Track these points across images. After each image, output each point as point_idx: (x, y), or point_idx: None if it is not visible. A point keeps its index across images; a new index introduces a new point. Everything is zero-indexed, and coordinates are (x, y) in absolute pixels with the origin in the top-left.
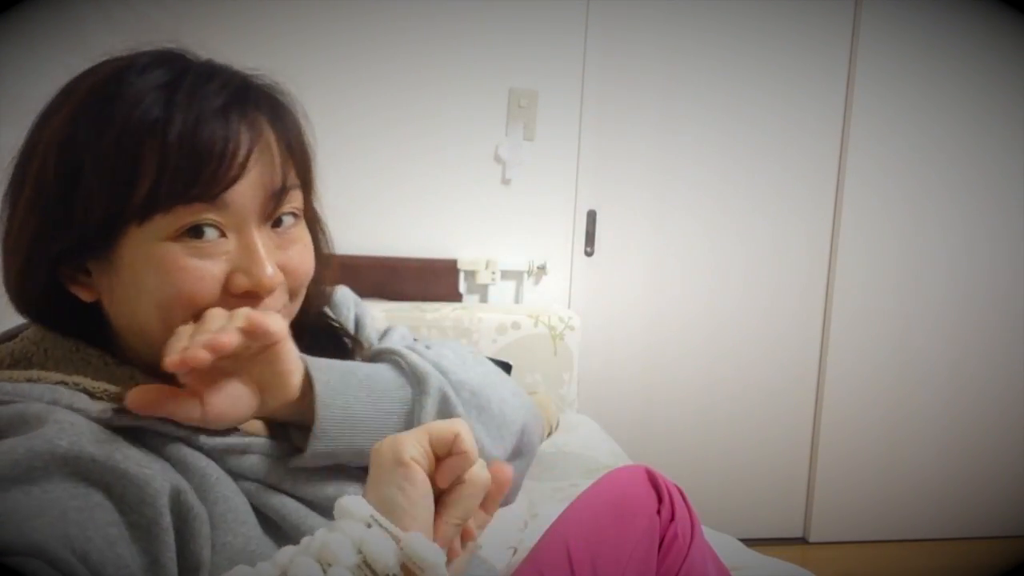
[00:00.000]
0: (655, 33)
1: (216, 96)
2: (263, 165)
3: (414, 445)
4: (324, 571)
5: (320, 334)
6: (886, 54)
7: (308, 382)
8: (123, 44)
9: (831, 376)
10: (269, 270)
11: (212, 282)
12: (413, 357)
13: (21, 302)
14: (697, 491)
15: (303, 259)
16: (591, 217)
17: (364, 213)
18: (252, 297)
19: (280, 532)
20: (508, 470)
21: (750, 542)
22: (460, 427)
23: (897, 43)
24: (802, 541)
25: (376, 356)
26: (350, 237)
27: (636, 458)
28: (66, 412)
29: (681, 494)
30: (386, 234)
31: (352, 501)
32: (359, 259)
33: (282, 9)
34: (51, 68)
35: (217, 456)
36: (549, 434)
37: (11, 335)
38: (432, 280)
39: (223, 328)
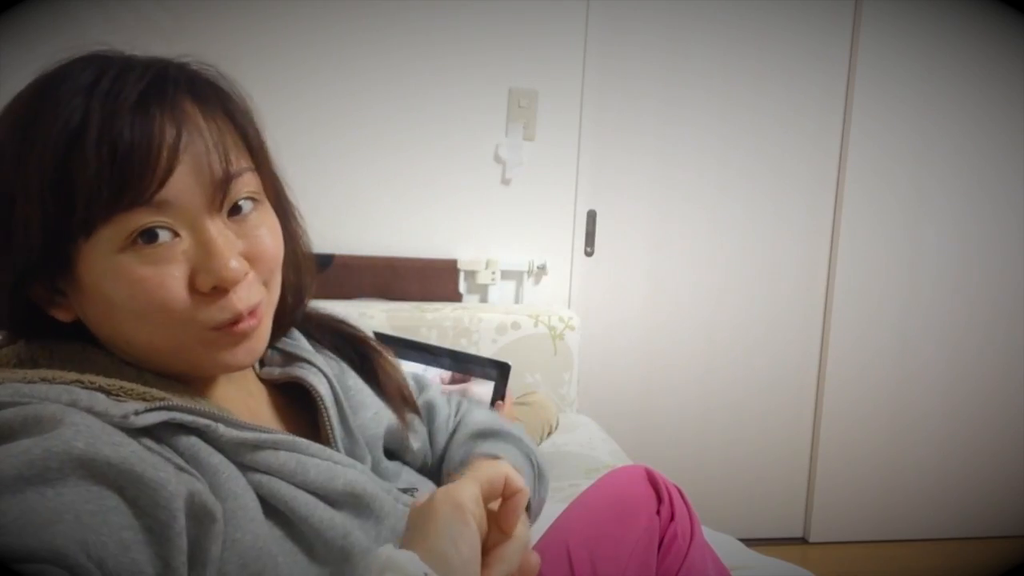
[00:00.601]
0: (655, 33)
1: (133, 89)
2: (196, 155)
3: (469, 495)
4: None
5: (334, 335)
6: (886, 54)
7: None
8: (123, 43)
9: (831, 376)
10: (232, 263)
11: (175, 285)
12: (538, 453)
13: (8, 324)
14: (697, 491)
15: (269, 243)
16: (591, 217)
17: (364, 213)
18: (222, 292)
19: (288, 523)
20: (537, 558)
21: (750, 542)
22: (505, 468)
23: (897, 43)
24: (802, 541)
25: (494, 435)
26: (350, 237)
27: (636, 458)
28: (82, 414)
29: (681, 494)
30: (386, 234)
31: (402, 556)
32: (359, 259)
33: (281, 9)
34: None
35: (231, 449)
36: (549, 434)
37: (13, 339)
38: (432, 280)
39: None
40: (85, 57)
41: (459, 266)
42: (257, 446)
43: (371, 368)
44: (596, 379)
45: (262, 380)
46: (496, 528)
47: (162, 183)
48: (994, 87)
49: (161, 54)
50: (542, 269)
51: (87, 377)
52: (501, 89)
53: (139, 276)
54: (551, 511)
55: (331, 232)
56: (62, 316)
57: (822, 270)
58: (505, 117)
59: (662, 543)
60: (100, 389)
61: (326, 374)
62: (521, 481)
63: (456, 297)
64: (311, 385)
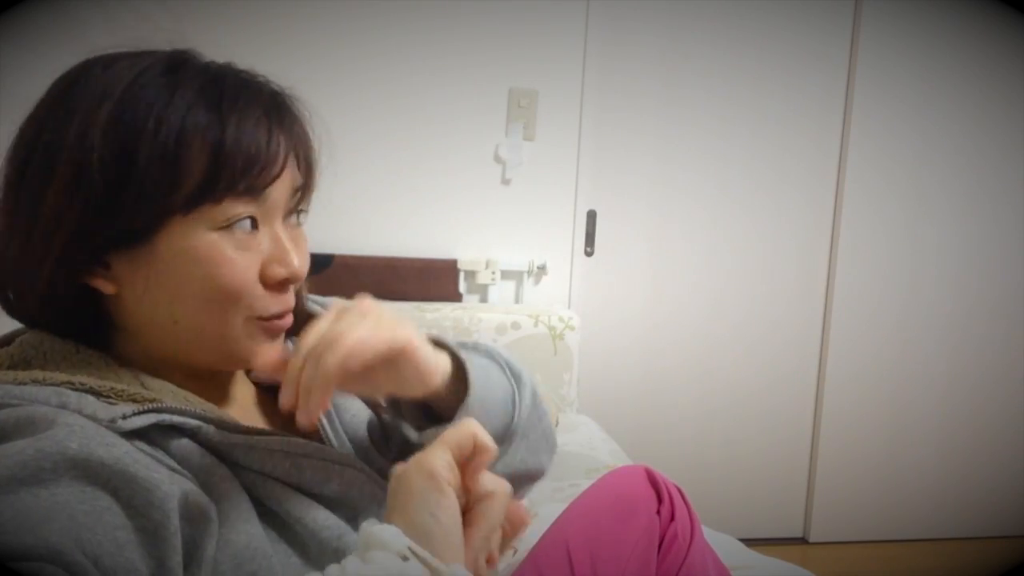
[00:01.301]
0: (655, 33)
1: (257, 101)
2: (292, 164)
3: (441, 462)
4: None
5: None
6: (886, 54)
7: (455, 368)
8: (123, 43)
9: (831, 376)
10: (298, 258)
11: (251, 272)
12: (505, 353)
13: (22, 303)
14: (697, 491)
15: (306, 258)
16: (591, 217)
17: (364, 213)
18: (284, 287)
19: (282, 524)
20: (524, 509)
21: (750, 542)
22: (473, 427)
23: (897, 43)
24: (802, 541)
25: (461, 347)
26: (350, 237)
27: (636, 458)
28: (74, 416)
29: (681, 494)
30: (386, 234)
31: (385, 531)
32: (359, 259)
33: (281, 9)
34: (52, 68)
35: (224, 450)
36: None
37: (7, 340)
38: (432, 280)
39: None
40: (178, 53)
41: (459, 266)
42: (250, 447)
43: None
44: (596, 379)
45: (253, 383)
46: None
47: (273, 181)
48: (994, 87)
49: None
50: (542, 269)
51: (77, 378)
52: (501, 89)
53: (228, 257)
54: (551, 511)
55: (331, 232)
56: (104, 287)
57: (822, 270)
58: (505, 117)
59: (662, 543)
60: (90, 391)
61: None
62: (488, 440)
63: (456, 297)
64: None
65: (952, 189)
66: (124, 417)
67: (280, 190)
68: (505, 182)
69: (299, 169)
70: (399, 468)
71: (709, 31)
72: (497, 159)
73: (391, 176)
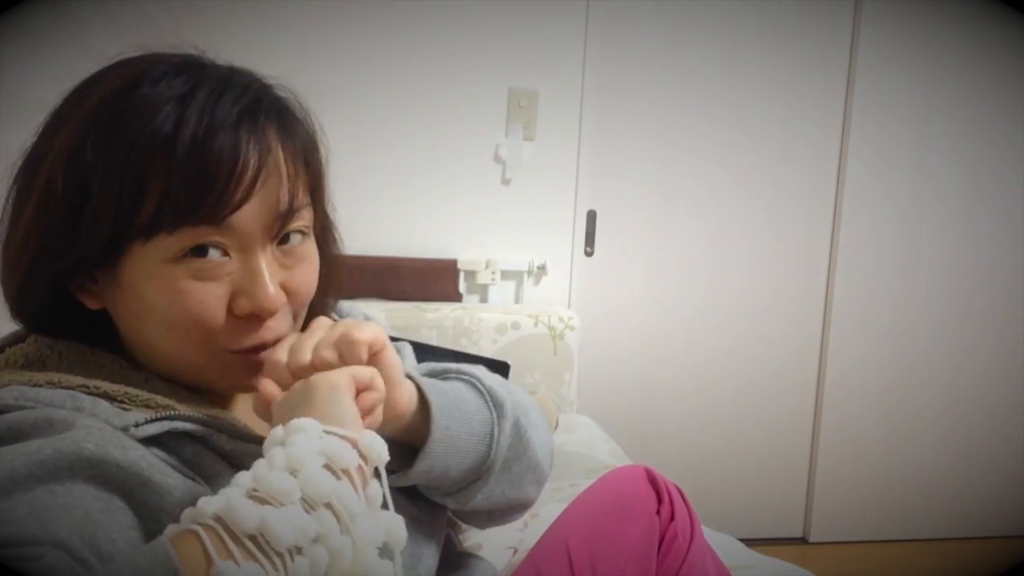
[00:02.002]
0: (655, 33)
1: (228, 112)
2: (270, 186)
3: (345, 380)
4: (295, 476)
5: None
6: (886, 54)
7: (420, 401)
8: (134, 46)
9: (831, 376)
10: (271, 291)
11: (215, 304)
12: (488, 380)
13: (22, 312)
14: (697, 491)
15: (306, 279)
16: (591, 217)
17: (364, 213)
18: (257, 320)
19: None
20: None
21: (750, 542)
22: (373, 373)
23: (897, 43)
24: (802, 541)
25: (443, 375)
26: (350, 237)
27: (636, 458)
28: (91, 419)
29: (681, 494)
30: (386, 234)
31: (303, 422)
32: (359, 259)
33: (281, 9)
34: (52, 68)
35: (236, 458)
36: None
37: (21, 337)
38: (432, 280)
39: (314, 345)
40: (179, 64)
41: (459, 266)
42: (260, 456)
43: None
44: (596, 379)
45: None
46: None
47: (236, 209)
48: (994, 87)
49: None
50: (542, 269)
51: (92, 382)
52: (501, 89)
53: (183, 288)
54: (551, 511)
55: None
56: (91, 303)
57: (822, 271)
58: (505, 117)
59: (662, 543)
60: (105, 395)
61: None
62: (380, 383)
63: (456, 297)
64: None
65: (952, 189)
66: (137, 425)
67: (251, 216)
68: (505, 182)
69: (286, 189)
70: (312, 380)
71: (709, 31)
72: (497, 159)
73: (391, 176)
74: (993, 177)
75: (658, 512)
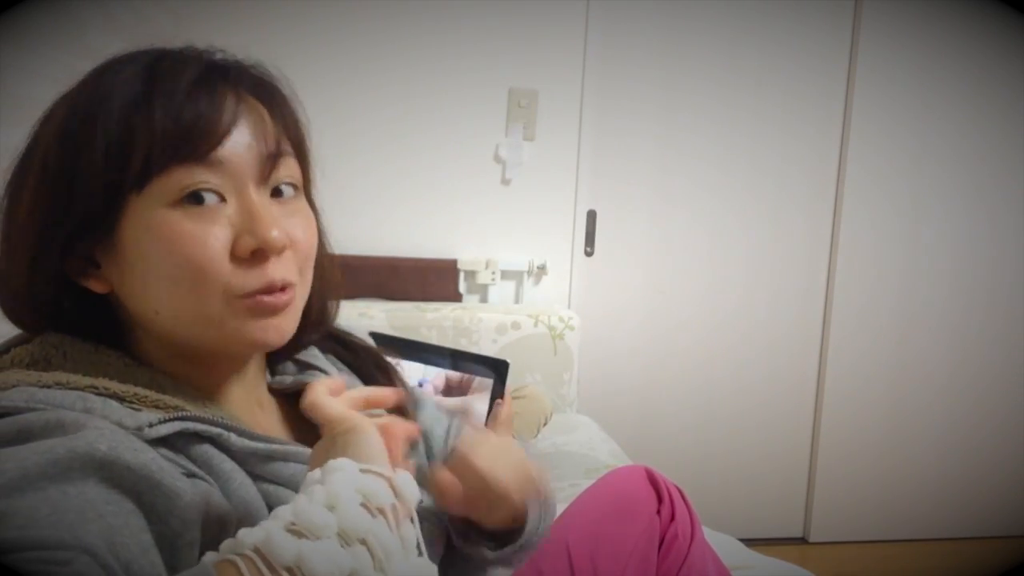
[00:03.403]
0: (655, 33)
1: (194, 69)
2: (253, 126)
3: (371, 424)
4: (332, 512)
5: (335, 344)
6: (886, 54)
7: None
8: (124, 43)
9: (831, 376)
10: (271, 223)
11: (217, 246)
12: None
13: (29, 310)
14: (697, 491)
15: (305, 230)
16: (591, 217)
17: (364, 213)
18: (261, 259)
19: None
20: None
21: (750, 542)
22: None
23: (897, 43)
24: (802, 541)
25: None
26: (350, 237)
27: (636, 458)
28: (103, 421)
29: (681, 494)
30: (386, 234)
31: (341, 462)
32: (359, 259)
33: (281, 9)
34: (51, 68)
35: (243, 458)
36: (545, 423)
37: (27, 337)
38: (432, 280)
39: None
40: (139, 50)
41: (459, 266)
42: (268, 457)
43: (365, 364)
44: (596, 379)
45: (272, 390)
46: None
47: (219, 142)
48: (994, 87)
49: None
50: (542, 269)
51: (101, 383)
52: (501, 89)
53: (182, 231)
54: None
55: (331, 232)
56: (96, 287)
57: (822, 270)
58: (505, 117)
59: (662, 543)
60: (114, 396)
61: (333, 375)
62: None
63: (456, 297)
64: None
65: (952, 189)
66: (151, 425)
67: (238, 155)
68: (505, 182)
69: (270, 133)
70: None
71: (709, 31)
72: (497, 159)
73: (391, 176)
74: (993, 177)
75: (658, 512)
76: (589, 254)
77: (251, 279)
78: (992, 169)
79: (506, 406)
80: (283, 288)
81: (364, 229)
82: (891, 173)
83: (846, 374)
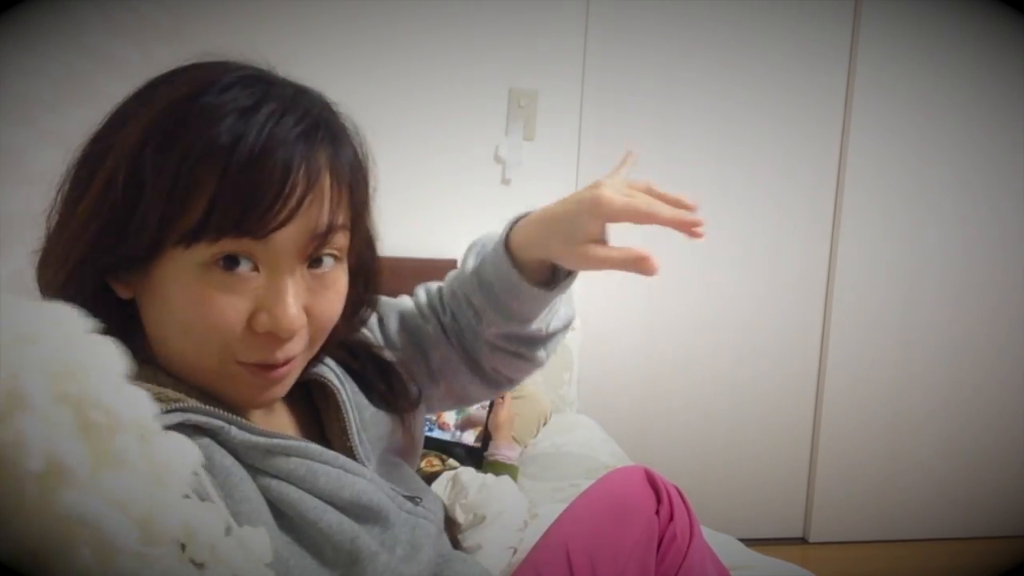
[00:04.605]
0: (655, 33)
1: (288, 131)
2: (314, 207)
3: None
4: None
5: (357, 356)
6: (886, 54)
7: None
8: (206, 53)
9: (831, 376)
10: (293, 312)
11: (235, 317)
12: None
13: (58, 299)
14: (697, 491)
15: (331, 306)
16: None
17: None
18: (271, 337)
19: (297, 528)
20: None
21: (750, 542)
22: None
23: (897, 43)
24: (802, 541)
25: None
26: None
27: (636, 458)
28: None
29: (680, 494)
30: (386, 234)
31: None
32: None
33: (281, 9)
34: (51, 68)
35: (243, 452)
36: (544, 423)
37: None
38: (432, 280)
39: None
40: (248, 76)
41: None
42: (269, 451)
43: (366, 368)
44: (596, 379)
45: None
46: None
47: (279, 227)
48: (994, 87)
49: (165, 55)
50: None
51: None
52: (501, 89)
53: (207, 297)
54: (551, 511)
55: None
56: (122, 292)
57: (822, 270)
58: (505, 117)
59: (661, 543)
60: None
61: (338, 374)
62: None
63: None
64: (335, 386)
65: (952, 189)
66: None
67: (291, 236)
68: (505, 182)
69: (327, 211)
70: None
71: (709, 31)
72: (497, 159)
73: (391, 176)
74: (993, 177)
75: (657, 513)
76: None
77: (256, 351)
78: (993, 169)
79: (506, 406)
80: (286, 362)
81: None
82: (891, 173)
83: (846, 374)
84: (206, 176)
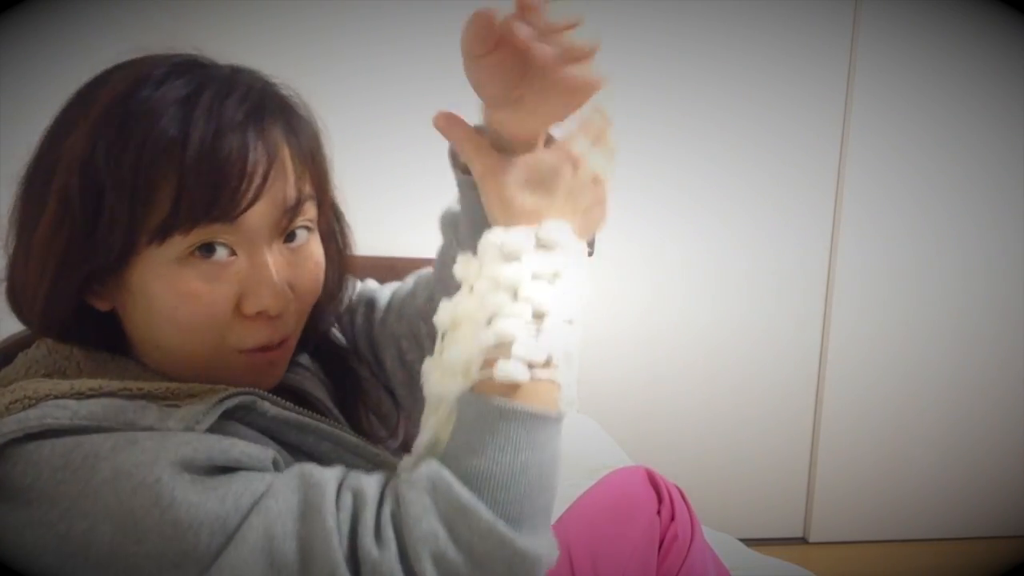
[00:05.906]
0: (654, 33)
1: (234, 112)
2: (278, 182)
3: None
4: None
5: (336, 360)
6: (886, 54)
7: None
8: (135, 48)
9: (831, 376)
10: (278, 286)
11: (223, 304)
12: None
13: (44, 323)
14: (697, 491)
15: (312, 277)
16: None
17: (363, 213)
18: (264, 318)
19: None
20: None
21: (750, 542)
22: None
23: (897, 43)
24: (802, 541)
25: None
26: None
27: (636, 458)
28: (165, 430)
29: (681, 494)
30: (386, 234)
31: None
32: (359, 259)
33: (282, 9)
34: (51, 68)
35: (276, 429)
36: None
37: (24, 343)
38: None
39: None
40: (180, 65)
41: None
42: (303, 427)
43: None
44: (596, 379)
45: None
46: None
47: (248, 207)
48: (994, 88)
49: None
50: None
51: (130, 384)
52: None
53: (191, 289)
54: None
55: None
56: (101, 305)
57: (822, 271)
58: None
59: (662, 543)
60: (147, 395)
61: (321, 380)
62: None
63: None
64: (315, 397)
65: (952, 189)
66: (197, 422)
67: (261, 214)
68: None
69: (293, 184)
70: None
71: (708, 31)
72: None
73: (391, 176)
74: (994, 176)
75: (658, 513)
76: (589, 254)
77: (250, 336)
78: (993, 168)
79: None
80: (281, 342)
81: (363, 229)
82: (891, 174)
83: (846, 374)
84: (164, 169)
